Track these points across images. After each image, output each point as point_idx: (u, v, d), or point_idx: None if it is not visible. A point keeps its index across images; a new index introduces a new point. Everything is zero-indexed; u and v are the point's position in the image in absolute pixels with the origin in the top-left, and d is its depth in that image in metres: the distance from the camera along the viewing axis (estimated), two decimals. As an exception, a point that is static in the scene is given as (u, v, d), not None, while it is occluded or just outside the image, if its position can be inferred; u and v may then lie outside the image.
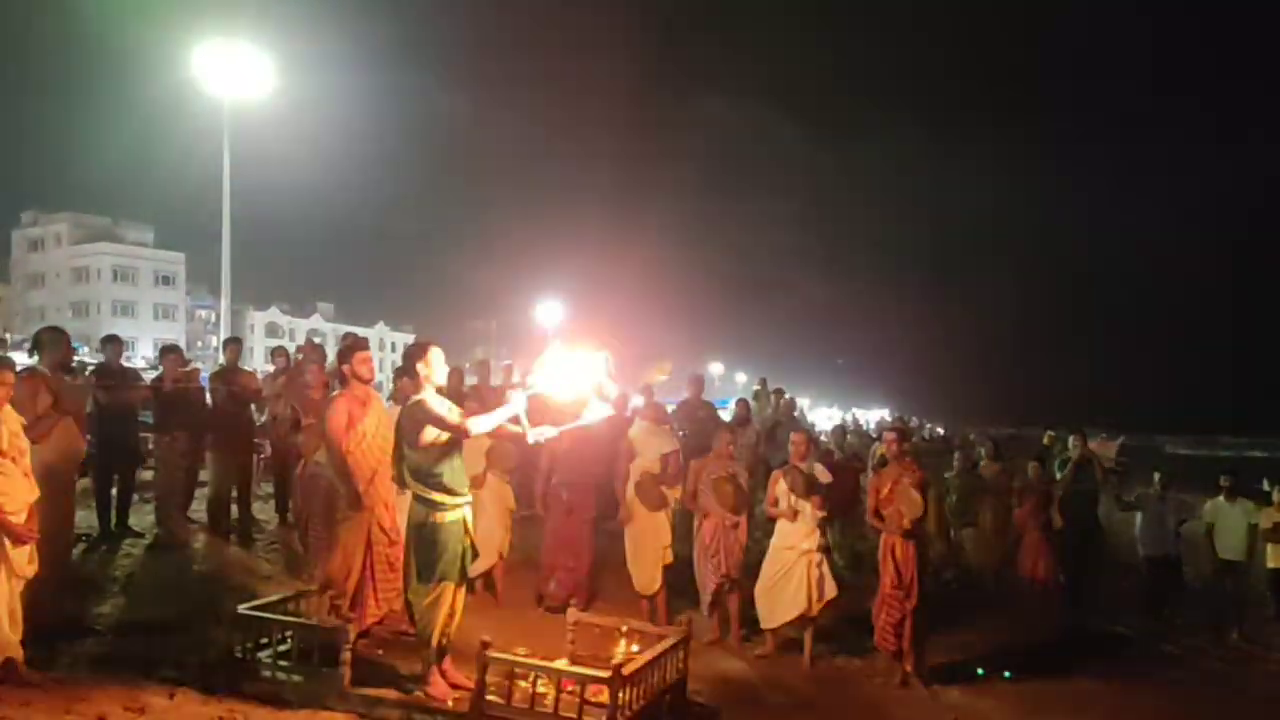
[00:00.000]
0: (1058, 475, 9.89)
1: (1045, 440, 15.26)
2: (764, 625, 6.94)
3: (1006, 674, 7.11)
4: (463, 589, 5.35)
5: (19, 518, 4.75)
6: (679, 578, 7.53)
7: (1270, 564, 9.06)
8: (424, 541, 5.10)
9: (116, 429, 8.60)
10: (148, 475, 9.82)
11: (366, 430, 5.76)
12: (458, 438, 5.16)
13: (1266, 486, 9.60)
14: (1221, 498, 9.35)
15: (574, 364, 5.20)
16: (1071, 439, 10.23)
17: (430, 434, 5.08)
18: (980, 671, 7.09)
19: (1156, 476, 9.81)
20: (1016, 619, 8.94)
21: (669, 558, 7.41)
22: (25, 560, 4.84)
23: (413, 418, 5.12)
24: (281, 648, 5.28)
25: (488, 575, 7.57)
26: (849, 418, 40.60)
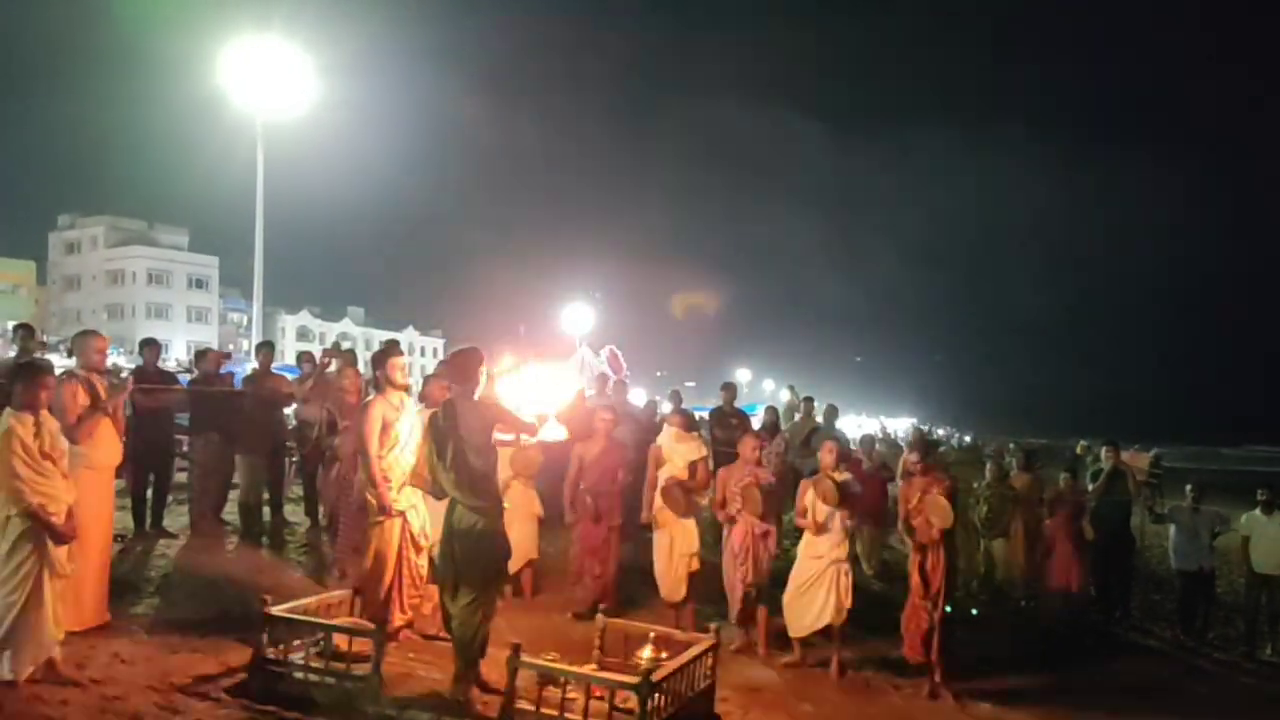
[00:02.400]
0: (1089, 486, 9.80)
1: (1078, 450, 15.15)
2: (792, 634, 6.92)
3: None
4: (498, 593, 5.39)
5: (59, 518, 4.84)
6: (707, 585, 7.52)
7: (1306, 578, 8.94)
8: (468, 547, 5.10)
9: (152, 431, 8.72)
10: (182, 477, 9.95)
11: (400, 435, 5.82)
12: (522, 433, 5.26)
13: None
14: (1258, 510, 9.23)
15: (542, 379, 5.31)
16: (1104, 450, 10.12)
17: (502, 434, 5.15)
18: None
19: (1189, 488, 9.69)
20: (1047, 630, 8.89)
21: (696, 565, 7.41)
22: (65, 559, 4.92)
23: (484, 417, 5.14)
24: (314, 650, 5.33)
25: (516, 580, 7.61)
26: (878, 427, 40.40)
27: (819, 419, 12.16)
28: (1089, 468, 10.76)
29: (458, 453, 5.08)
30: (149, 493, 8.87)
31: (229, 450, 9.18)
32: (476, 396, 5.25)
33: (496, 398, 5.33)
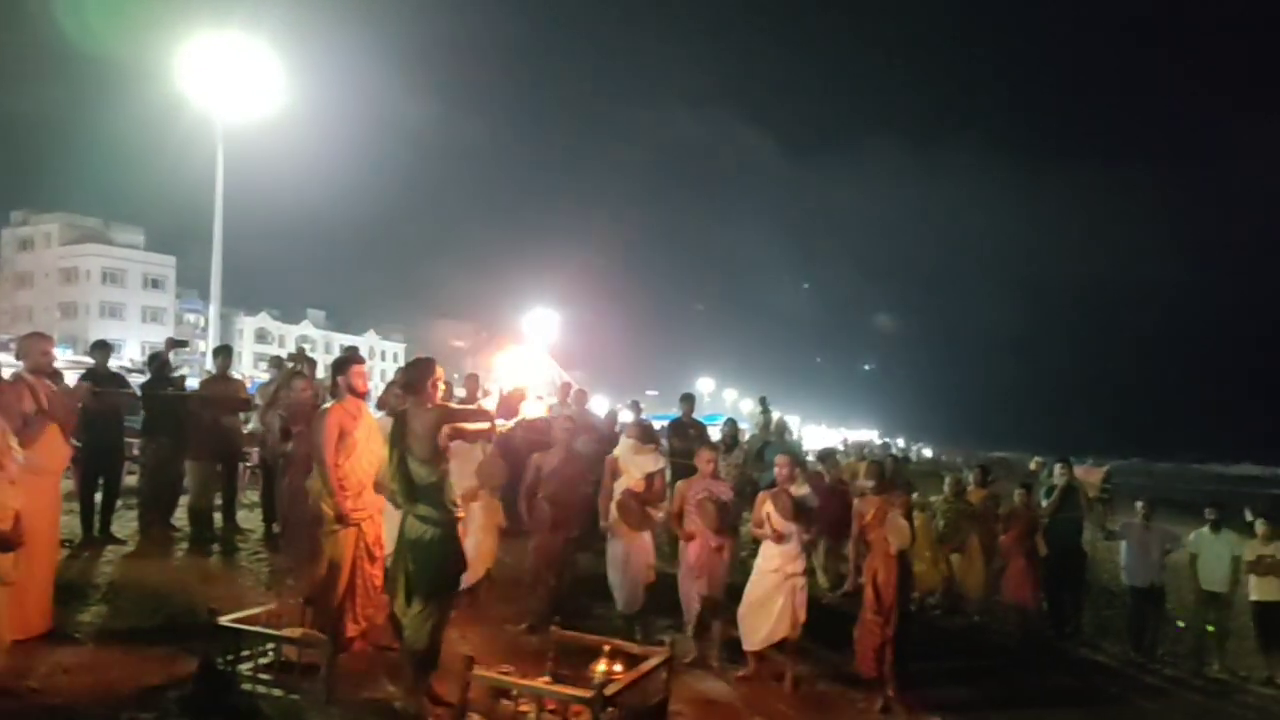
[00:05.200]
0: (1044, 502, 9.91)
1: (1032, 466, 15.31)
2: (746, 647, 6.92)
3: None
4: (452, 604, 5.35)
5: (5, 524, 4.74)
6: (663, 597, 7.51)
7: (1253, 596, 9.08)
8: (420, 557, 5.09)
9: (102, 434, 8.58)
10: (132, 480, 9.80)
11: (357, 443, 5.77)
12: (469, 438, 5.24)
13: (1249, 517, 9.64)
14: (1206, 529, 9.38)
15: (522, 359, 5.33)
16: (1058, 467, 10.24)
17: (444, 439, 5.11)
18: None
19: (1140, 505, 9.83)
20: (1000, 645, 8.97)
21: (652, 577, 7.40)
22: (10, 566, 4.82)
23: (430, 422, 5.12)
24: (262, 661, 5.26)
25: (472, 590, 7.55)
26: (840, 440, 40.66)
27: (771, 432, 12.24)
28: (1044, 484, 10.89)
29: (402, 463, 5.12)
30: (98, 497, 8.72)
31: (180, 455, 9.04)
32: (429, 406, 5.23)
33: (443, 404, 5.30)
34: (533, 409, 5.83)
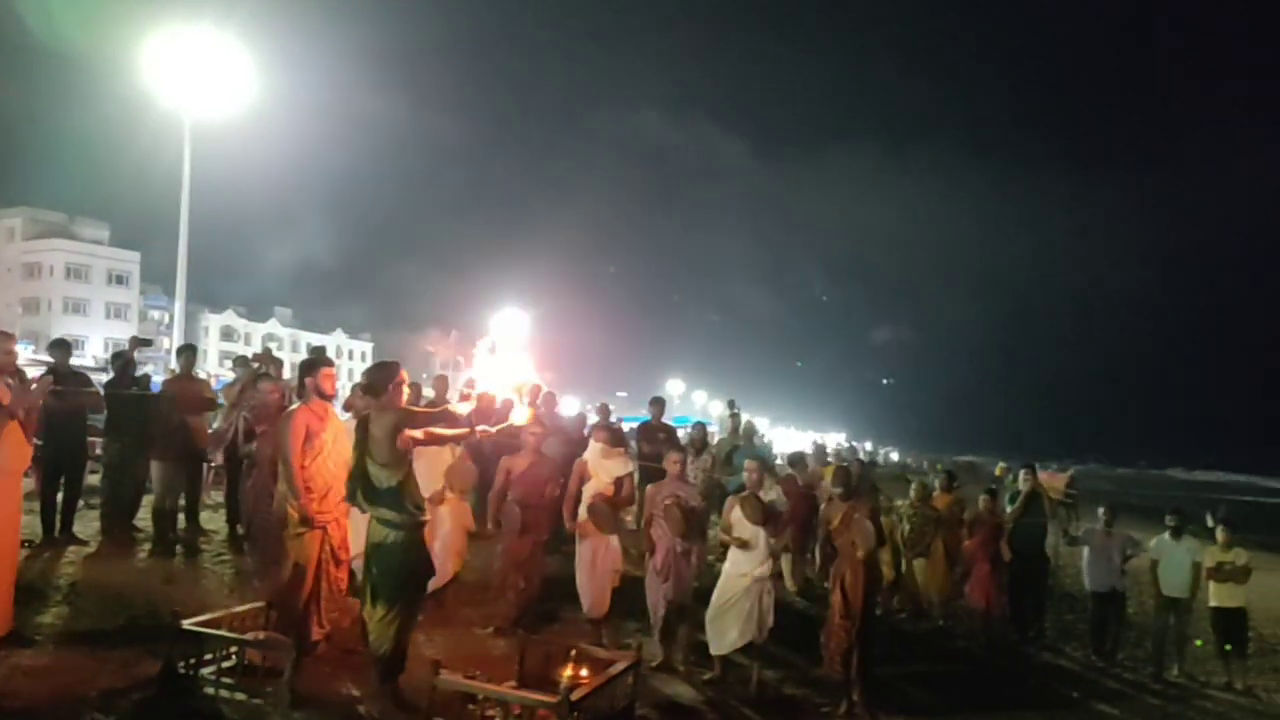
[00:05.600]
0: (1008, 508, 10.00)
1: (997, 471, 15.44)
2: (713, 651, 6.93)
3: None
4: (418, 608, 5.33)
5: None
6: (631, 601, 7.52)
7: (1212, 602, 9.19)
8: (382, 560, 5.08)
9: (64, 433, 8.47)
10: (94, 480, 9.68)
11: (323, 446, 5.72)
12: (430, 438, 5.21)
13: (1210, 523, 9.77)
14: (1167, 535, 9.49)
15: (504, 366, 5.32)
16: (1022, 473, 10.33)
17: (409, 439, 5.09)
18: None
19: (1102, 511, 9.93)
20: (964, 649, 9.05)
21: (619, 581, 7.41)
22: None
23: (388, 425, 5.09)
24: (226, 664, 5.21)
25: (440, 593, 7.52)
26: (810, 444, 40.76)
27: (740, 436, 12.28)
28: (1008, 489, 10.99)
29: (362, 466, 5.12)
30: (59, 497, 8.61)
31: (143, 455, 8.94)
32: (393, 409, 5.21)
33: (402, 408, 5.28)
34: (521, 415, 5.79)
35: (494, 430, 5.61)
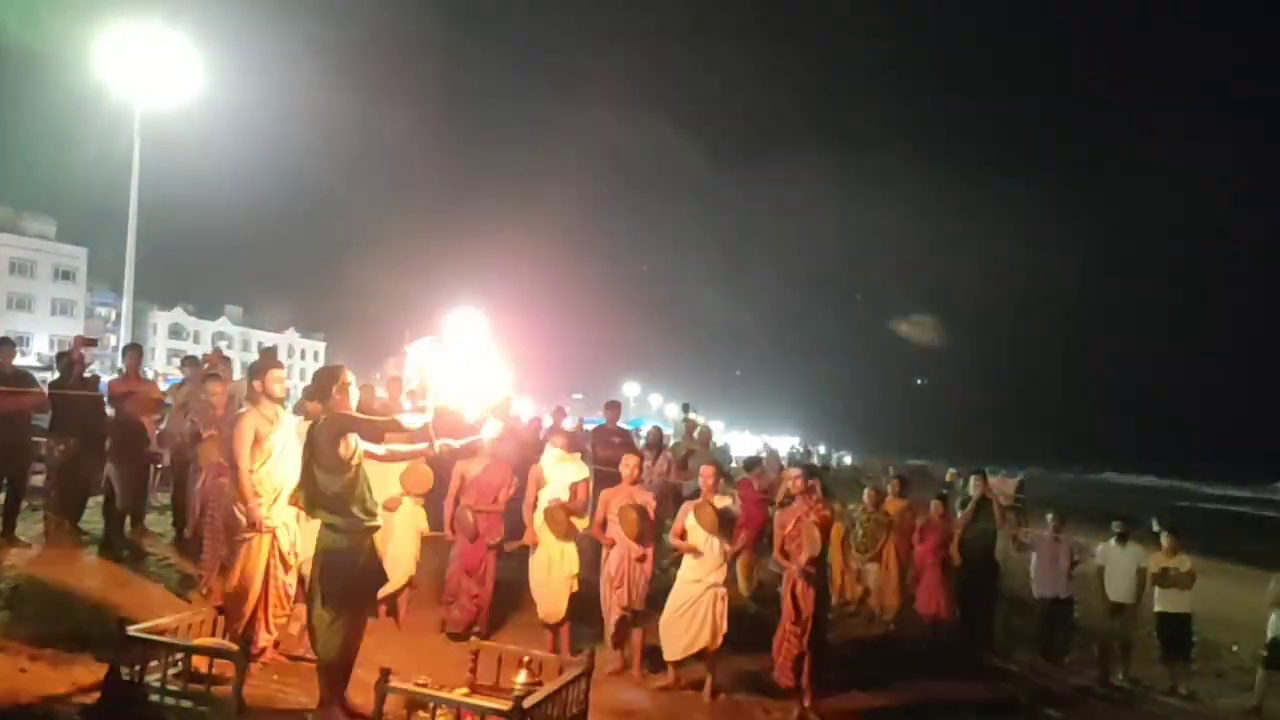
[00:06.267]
0: (959, 514, 10.12)
1: (947, 478, 15.61)
2: (667, 657, 6.94)
3: None
4: (366, 614, 5.28)
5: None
6: (585, 606, 7.50)
7: (1157, 607, 9.38)
8: (331, 566, 5.02)
9: (7, 434, 8.30)
10: (39, 481, 9.47)
11: (273, 449, 5.65)
12: (376, 445, 5.15)
13: (1156, 528, 9.96)
14: (1114, 541, 9.66)
15: (474, 376, 5.25)
16: (973, 479, 10.48)
17: (347, 448, 5.02)
18: None
19: (1050, 518, 10.09)
20: (915, 655, 9.14)
21: (576, 587, 7.39)
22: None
23: (331, 431, 5.04)
24: (172, 671, 5.12)
25: (392, 599, 7.46)
26: (764, 449, 40.94)
27: (696, 439, 12.31)
28: (959, 494, 11.12)
29: (308, 472, 5.06)
30: (2, 498, 8.43)
31: (89, 456, 8.77)
32: (342, 412, 5.15)
33: (342, 413, 5.21)
34: (492, 431, 5.72)
35: (458, 445, 5.53)
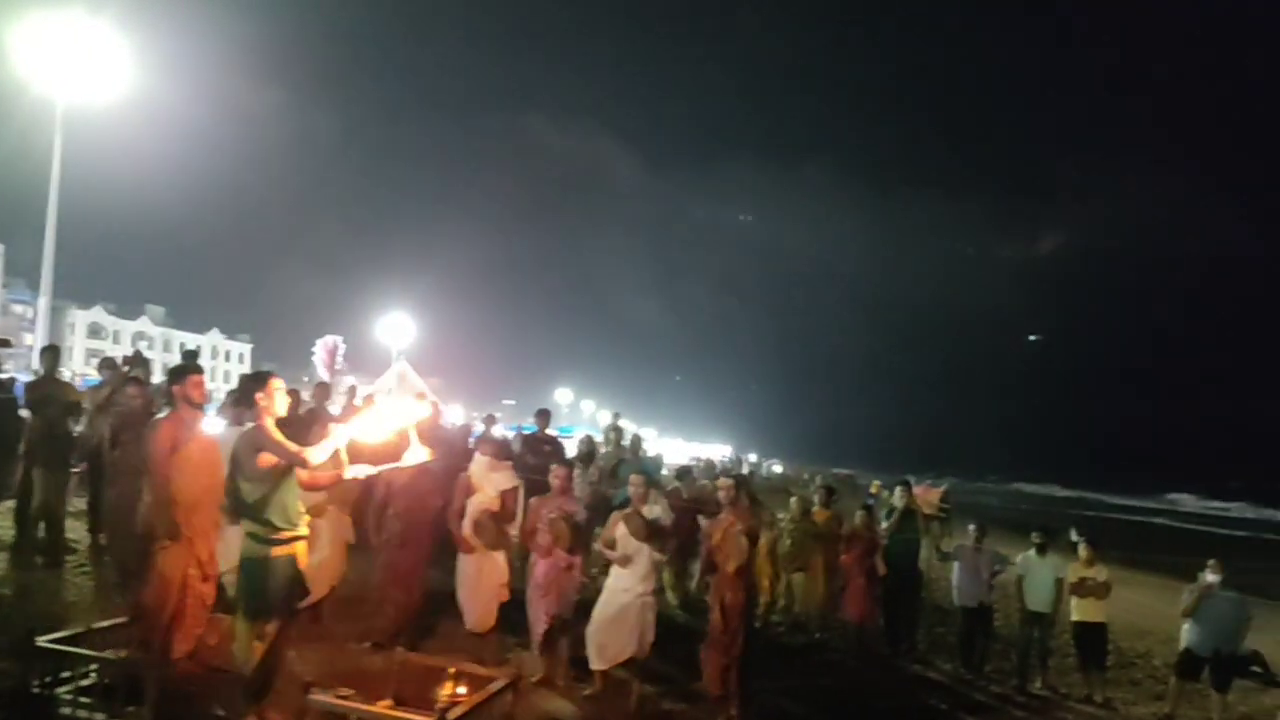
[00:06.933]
0: (884, 524, 10.27)
1: (873, 489, 15.82)
2: (594, 666, 6.93)
3: None
4: (289, 625, 5.18)
5: None
6: (512, 614, 7.46)
7: (1074, 617, 9.58)
8: (253, 576, 4.94)
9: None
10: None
11: (191, 456, 5.52)
12: (293, 466, 5.05)
13: (1075, 538, 10.19)
14: (1033, 552, 9.86)
15: (395, 404, 5.22)
16: (898, 490, 10.63)
17: (267, 460, 4.93)
18: None
19: (972, 528, 10.27)
20: (839, 663, 9.24)
21: (505, 595, 7.35)
22: None
23: (250, 443, 4.97)
24: (84, 683, 4.98)
25: (316, 608, 7.33)
26: (695, 458, 41.16)
27: (626, 449, 12.33)
28: (884, 505, 11.28)
29: (231, 481, 5.02)
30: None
31: (3, 460, 8.49)
32: (266, 421, 5.08)
33: (261, 426, 5.13)
34: (418, 456, 5.64)
35: (375, 471, 5.48)
